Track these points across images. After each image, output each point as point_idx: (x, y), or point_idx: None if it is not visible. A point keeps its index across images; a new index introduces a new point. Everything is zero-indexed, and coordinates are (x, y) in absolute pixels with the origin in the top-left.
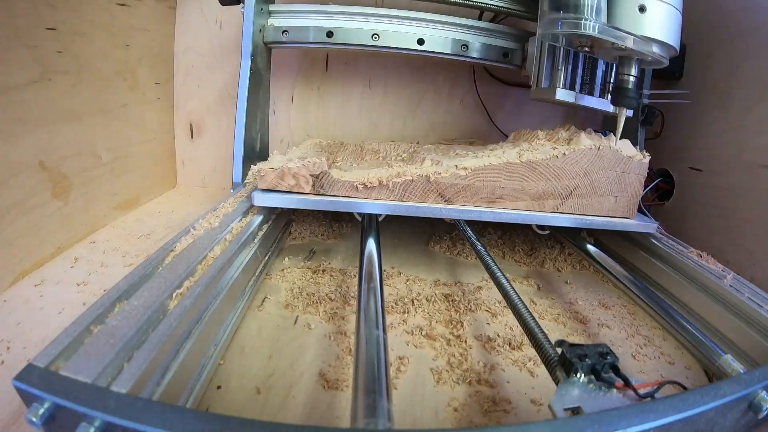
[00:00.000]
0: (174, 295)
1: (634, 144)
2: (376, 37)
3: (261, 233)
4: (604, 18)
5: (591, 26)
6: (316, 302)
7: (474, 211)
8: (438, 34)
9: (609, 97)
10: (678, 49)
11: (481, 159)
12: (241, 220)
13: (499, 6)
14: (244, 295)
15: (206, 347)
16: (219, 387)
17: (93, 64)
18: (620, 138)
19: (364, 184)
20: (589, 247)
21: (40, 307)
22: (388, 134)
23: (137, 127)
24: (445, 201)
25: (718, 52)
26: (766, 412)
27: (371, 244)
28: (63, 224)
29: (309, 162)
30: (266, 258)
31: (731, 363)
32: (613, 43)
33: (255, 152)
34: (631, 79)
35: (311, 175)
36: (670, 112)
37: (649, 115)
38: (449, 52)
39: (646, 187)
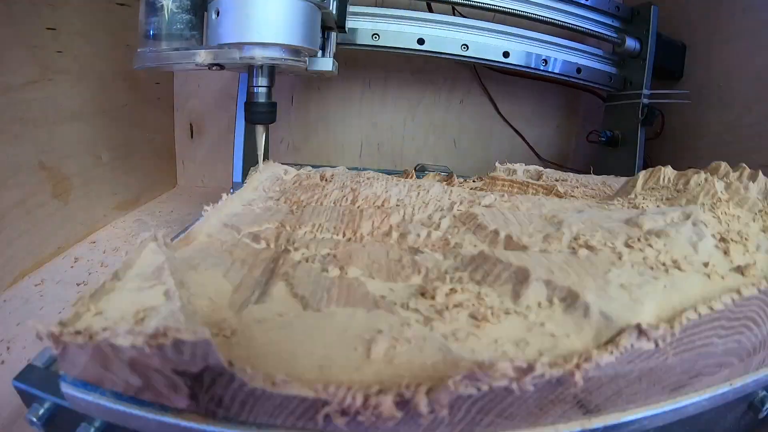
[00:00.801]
0: None
1: (634, 144)
2: (376, 37)
3: None
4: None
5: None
6: None
7: (638, 419)
8: (438, 34)
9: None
10: (314, 47)
11: (680, 285)
12: None
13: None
14: None
15: None
16: None
17: (93, 64)
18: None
19: (346, 410)
20: None
21: (40, 307)
22: (388, 134)
23: (137, 127)
24: (585, 412)
25: (718, 52)
26: (766, 413)
27: None
28: (63, 224)
29: (168, 327)
30: None
31: None
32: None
33: (255, 152)
34: (260, 90)
35: (180, 374)
36: (670, 112)
37: (649, 115)
38: (449, 52)
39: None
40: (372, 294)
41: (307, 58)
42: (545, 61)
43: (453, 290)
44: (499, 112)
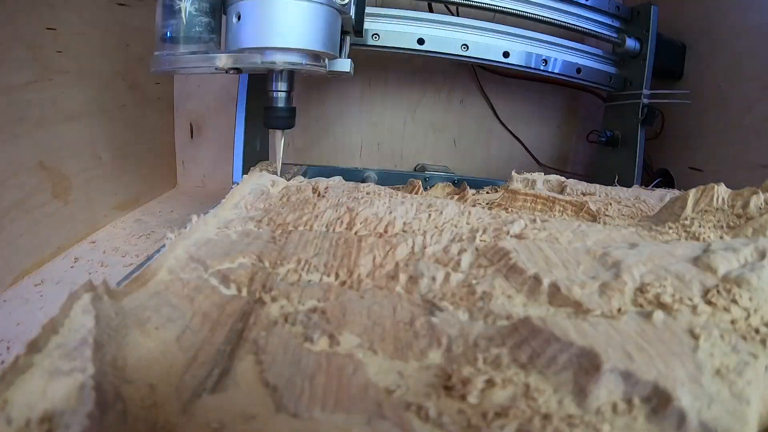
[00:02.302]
0: None
1: (634, 144)
2: (376, 37)
3: None
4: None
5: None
6: None
7: None
8: (438, 34)
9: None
10: (335, 53)
11: None
12: None
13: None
14: None
15: None
16: None
17: (93, 64)
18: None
19: None
20: None
21: (40, 307)
22: (388, 134)
23: (137, 127)
24: None
25: (718, 52)
26: None
27: None
28: (63, 224)
29: None
30: None
31: None
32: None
33: (255, 152)
34: (282, 95)
35: None
36: (670, 112)
37: (649, 115)
38: (449, 52)
39: (646, 187)
40: (374, 386)
41: (326, 62)
42: (545, 62)
43: (491, 382)
44: (498, 117)
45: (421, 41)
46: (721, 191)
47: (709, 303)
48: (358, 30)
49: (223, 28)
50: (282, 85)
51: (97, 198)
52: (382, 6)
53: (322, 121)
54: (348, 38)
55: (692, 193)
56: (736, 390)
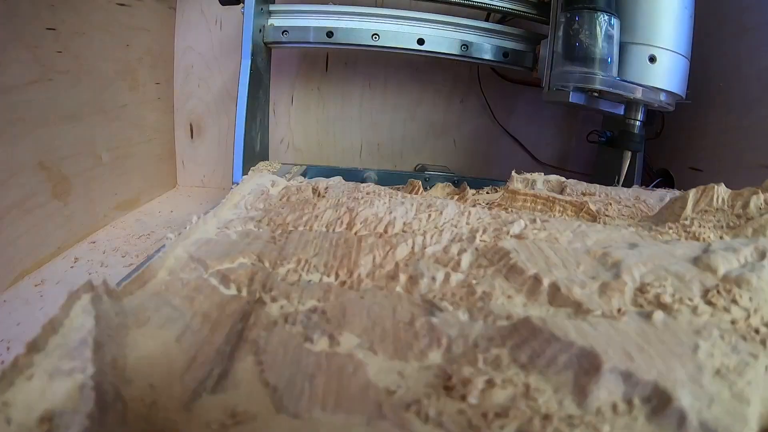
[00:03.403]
0: None
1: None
2: (376, 37)
3: None
4: (615, 70)
5: (601, 80)
6: None
7: None
8: (438, 34)
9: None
10: (684, 96)
11: None
12: None
13: (507, 7)
14: None
15: None
16: None
17: (93, 64)
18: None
19: None
20: None
21: (40, 307)
22: (388, 134)
23: (137, 127)
24: None
25: (718, 52)
26: None
27: None
28: (63, 224)
29: None
30: None
31: None
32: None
33: (255, 152)
34: (638, 123)
35: None
36: (670, 112)
37: (649, 115)
38: (449, 52)
39: (646, 187)
40: (374, 386)
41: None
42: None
43: (491, 383)
44: (497, 120)
45: (421, 41)
46: (721, 191)
47: (709, 303)
48: None
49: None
50: (641, 116)
51: (97, 198)
52: (382, 6)
53: (323, 121)
54: None
55: (692, 194)
56: (736, 390)
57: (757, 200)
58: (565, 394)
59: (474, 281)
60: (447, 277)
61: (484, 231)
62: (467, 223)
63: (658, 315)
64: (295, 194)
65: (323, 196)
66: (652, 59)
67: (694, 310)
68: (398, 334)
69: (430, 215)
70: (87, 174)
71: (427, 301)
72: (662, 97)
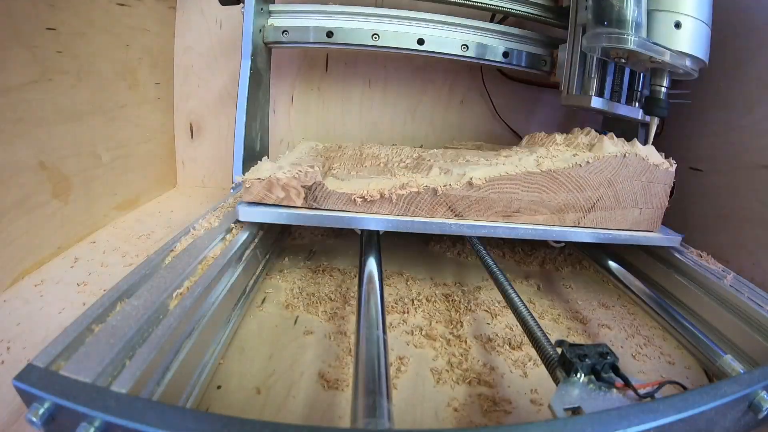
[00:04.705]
0: (174, 294)
1: None
2: (376, 37)
3: (256, 240)
4: (644, 33)
5: (633, 41)
6: (316, 302)
7: (487, 227)
8: (438, 34)
9: (636, 104)
10: (707, 62)
11: (495, 167)
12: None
13: (521, 11)
14: (245, 295)
15: (207, 347)
16: (219, 387)
17: (93, 64)
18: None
19: (364, 197)
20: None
21: (40, 307)
22: (388, 134)
23: (137, 127)
24: (455, 215)
25: (719, 52)
26: (766, 413)
27: (371, 264)
28: (63, 224)
29: (300, 171)
30: (266, 257)
31: (731, 363)
32: (651, 57)
33: (255, 152)
34: (663, 89)
35: (303, 187)
36: (670, 112)
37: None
38: (450, 52)
39: None
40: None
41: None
42: (545, 62)
43: (402, 172)
44: (498, 113)
45: (421, 41)
46: (560, 138)
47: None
48: None
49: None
50: (666, 82)
51: (97, 198)
52: (382, 6)
53: (323, 122)
54: None
55: (539, 136)
56: (470, 167)
57: (584, 138)
58: (423, 173)
59: (413, 167)
60: (400, 164)
61: (421, 157)
62: (416, 156)
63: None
64: (330, 149)
65: (345, 148)
66: (678, 25)
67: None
68: (379, 171)
69: (397, 151)
70: (87, 174)
71: (391, 170)
72: (687, 62)
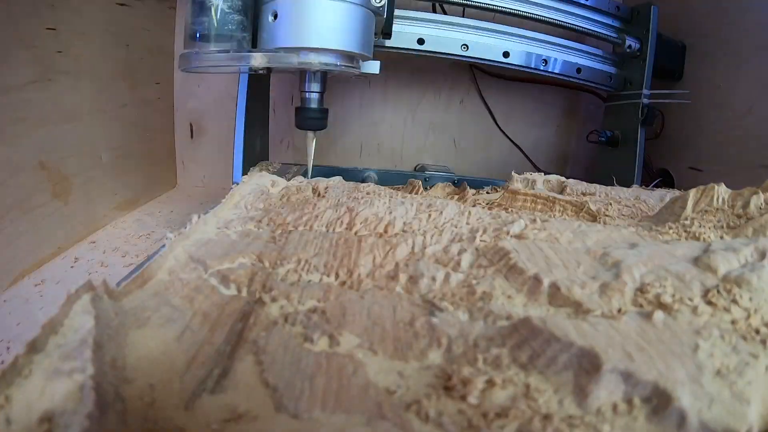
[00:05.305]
0: None
1: (634, 144)
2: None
3: None
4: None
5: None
6: None
7: None
8: (438, 34)
9: None
10: (370, 54)
11: None
12: None
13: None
14: None
15: None
16: None
17: (93, 64)
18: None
19: None
20: None
21: (40, 307)
22: (388, 134)
23: (137, 127)
24: None
25: (718, 52)
26: None
27: None
28: (63, 224)
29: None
30: None
31: None
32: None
33: (255, 152)
34: (313, 96)
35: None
36: (670, 112)
37: (649, 115)
38: (450, 52)
39: (646, 186)
40: (374, 386)
41: (360, 64)
42: (545, 61)
43: (491, 382)
44: (497, 123)
45: (421, 41)
46: (722, 191)
47: (709, 303)
48: (387, 32)
49: (259, 28)
50: (315, 86)
51: (97, 198)
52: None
53: None
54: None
55: (692, 193)
56: (736, 390)
57: (757, 200)
58: (565, 394)
59: (474, 281)
60: (447, 277)
61: (484, 231)
62: (467, 223)
63: (659, 315)
64: (295, 194)
65: (323, 196)
66: (276, 16)
67: (695, 310)
68: (398, 334)
69: (430, 215)
70: (87, 174)
71: (427, 301)
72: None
